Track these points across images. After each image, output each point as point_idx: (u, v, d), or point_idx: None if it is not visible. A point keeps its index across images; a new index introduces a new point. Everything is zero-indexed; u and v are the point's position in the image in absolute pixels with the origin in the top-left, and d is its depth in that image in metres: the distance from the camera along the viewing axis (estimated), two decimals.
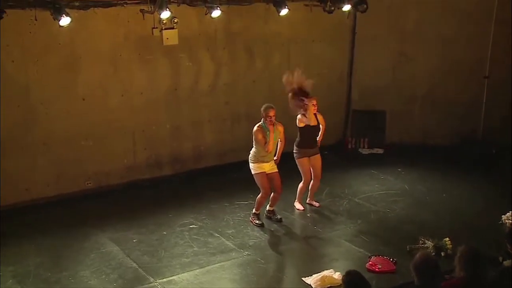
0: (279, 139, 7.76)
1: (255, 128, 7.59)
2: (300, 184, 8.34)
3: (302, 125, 8.00)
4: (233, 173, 9.50)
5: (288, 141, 8.01)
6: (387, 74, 11.12)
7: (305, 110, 7.96)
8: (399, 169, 10.10)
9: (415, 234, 7.28)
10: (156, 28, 8.86)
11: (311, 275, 6.42)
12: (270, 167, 7.71)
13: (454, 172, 9.89)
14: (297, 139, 8.15)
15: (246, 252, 7.15)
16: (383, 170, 10.06)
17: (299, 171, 8.25)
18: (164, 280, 6.51)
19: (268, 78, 10.30)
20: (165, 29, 8.91)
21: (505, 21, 10.24)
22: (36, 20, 7.88)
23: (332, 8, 9.99)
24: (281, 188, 7.81)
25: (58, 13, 7.63)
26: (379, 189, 9.24)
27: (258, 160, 7.65)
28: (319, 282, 6.29)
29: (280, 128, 7.69)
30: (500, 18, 10.28)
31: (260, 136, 7.51)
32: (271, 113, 7.49)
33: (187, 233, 7.71)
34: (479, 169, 9.97)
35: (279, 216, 8.03)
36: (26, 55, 8.11)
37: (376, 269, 6.60)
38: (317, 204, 8.53)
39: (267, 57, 10.28)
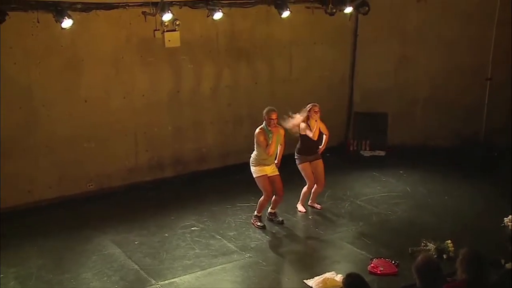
0: (279, 143, 7.76)
1: (257, 130, 7.59)
2: (304, 188, 8.35)
3: (303, 133, 8.00)
4: (235, 175, 9.49)
5: (288, 145, 8.00)
6: (389, 76, 11.12)
7: (308, 118, 7.97)
8: (401, 171, 10.10)
9: (417, 236, 7.27)
10: (158, 30, 8.88)
11: (313, 278, 6.42)
12: (271, 170, 7.71)
13: (456, 174, 9.88)
14: (298, 145, 8.16)
15: (248, 254, 7.15)
16: (385, 172, 10.05)
17: (300, 174, 8.26)
18: (166, 282, 6.51)
19: (270, 80, 10.32)
20: (167, 31, 8.93)
21: (507, 23, 10.24)
22: (38, 22, 7.92)
23: (334, 10, 10.01)
24: (282, 191, 7.81)
25: (60, 15, 7.67)
26: (380, 191, 9.23)
27: (259, 163, 7.65)
28: (320, 285, 6.29)
29: (282, 132, 7.69)
30: (502, 20, 10.28)
31: (262, 139, 7.51)
32: (274, 116, 7.49)
33: (188, 235, 7.71)
34: (481, 171, 9.97)
35: (280, 218, 8.03)
36: (28, 57, 8.13)
37: (378, 272, 6.60)
38: (319, 206, 8.53)
39: (269, 59, 10.28)
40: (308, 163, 8.16)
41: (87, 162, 8.90)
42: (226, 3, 9.15)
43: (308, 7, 10.13)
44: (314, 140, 8.04)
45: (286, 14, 9.44)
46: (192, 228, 7.91)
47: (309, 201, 8.54)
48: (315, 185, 8.32)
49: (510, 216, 7.72)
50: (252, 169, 7.72)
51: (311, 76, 10.76)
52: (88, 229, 7.84)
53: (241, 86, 10.09)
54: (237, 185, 9.22)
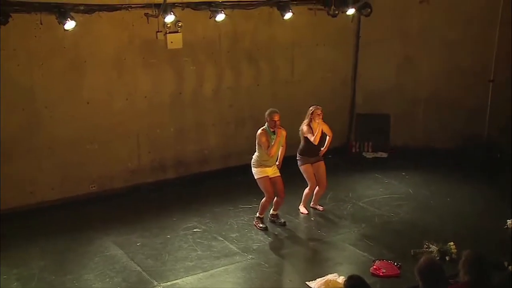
0: (281, 145, 7.76)
1: (259, 131, 7.59)
2: (306, 190, 8.35)
3: (305, 135, 8.00)
4: (237, 176, 9.49)
5: (289, 147, 7.99)
6: (391, 78, 11.11)
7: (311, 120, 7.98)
8: (403, 173, 10.09)
9: (420, 238, 7.26)
10: (161, 32, 8.88)
11: (315, 279, 6.41)
12: (272, 171, 7.72)
13: (458, 176, 9.87)
14: (300, 146, 8.16)
15: (250, 256, 7.14)
16: (387, 174, 10.04)
17: (302, 175, 8.26)
18: (168, 283, 6.51)
19: (272, 82, 10.32)
20: (170, 33, 8.93)
21: (509, 24, 10.21)
22: (41, 24, 7.93)
23: (336, 12, 10.01)
24: (284, 192, 7.81)
25: (63, 17, 7.68)
26: (383, 193, 9.22)
27: (260, 164, 7.65)
28: (323, 286, 6.28)
29: (284, 133, 7.69)
30: (505, 21, 10.26)
31: (264, 139, 7.51)
32: (276, 117, 7.49)
33: (191, 236, 7.71)
34: (484, 173, 9.96)
35: (282, 220, 8.02)
36: (31, 58, 8.15)
37: (380, 274, 6.59)
38: (321, 208, 8.53)
39: (271, 61, 10.28)
40: (310, 164, 8.17)
41: (89, 164, 8.90)
42: (228, 5, 9.15)
43: (310, 9, 10.13)
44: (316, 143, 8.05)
45: (288, 15, 9.45)
46: (194, 230, 7.91)
47: (311, 203, 8.54)
48: (317, 186, 8.32)
49: None
50: (254, 170, 7.72)
51: (313, 78, 10.76)
52: (90, 230, 7.84)
53: (243, 87, 10.09)
54: (239, 186, 9.21)
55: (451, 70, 10.84)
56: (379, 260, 6.85)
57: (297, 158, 8.21)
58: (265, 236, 7.73)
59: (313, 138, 7.92)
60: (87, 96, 8.69)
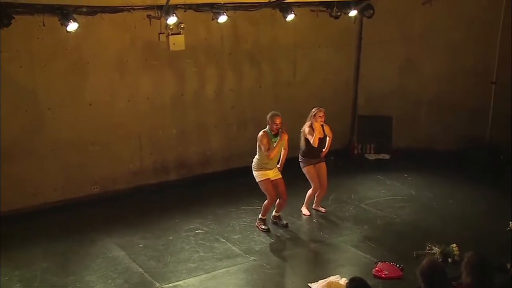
0: (283, 147, 7.76)
1: (261, 133, 7.59)
2: (309, 191, 8.34)
3: (306, 136, 8.00)
4: (239, 178, 9.48)
5: (291, 148, 7.99)
6: (393, 79, 11.11)
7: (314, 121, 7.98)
8: (406, 175, 10.08)
9: (422, 240, 7.25)
10: (163, 33, 8.90)
11: (317, 281, 6.40)
12: (274, 174, 7.72)
13: (460, 177, 9.85)
14: (302, 148, 8.15)
15: (252, 258, 7.14)
16: (390, 176, 10.04)
17: (304, 177, 8.25)
18: (170, 285, 6.51)
19: (274, 84, 10.33)
20: (172, 34, 8.95)
21: None
22: (44, 26, 7.95)
23: (339, 14, 10.02)
24: (286, 194, 7.81)
25: (65, 18, 7.70)
26: (385, 195, 9.22)
27: (261, 167, 7.65)
28: None
29: (285, 136, 7.68)
30: (507, 23, 10.24)
31: (265, 141, 7.51)
32: (278, 120, 7.49)
33: (193, 238, 7.71)
34: (486, 175, 9.95)
35: (285, 222, 8.02)
36: (34, 60, 8.17)
37: (383, 275, 6.58)
38: (323, 210, 8.52)
39: (273, 63, 10.29)
40: (312, 166, 8.17)
41: (91, 165, 8.92)
42: (230, 7, 9.16)
43: (312, 11, 10.14)
44: (318, 144, 8.05)
45: (290, 17, 9.45)
46: (197, 231, 7.91)
47: (314, 205, 8.54)
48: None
49: None
50: (255, 173, 7.73)
51: (316, 79, 10.76)
52: (93, 232, 7.85)
53: (245, 89, 10.10)
54: (241, 188, 9.21)
55: (453, 72, 10.83)
56: (382, 262, 6.84)
57: (299, 160, 8.22)
58: (267, 237, 7.73)
59: (312, 140, 7.91)
60: (89, 97, 8.70)
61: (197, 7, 9.02)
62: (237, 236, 7.74)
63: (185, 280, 6.60)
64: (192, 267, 6.90)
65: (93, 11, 8.21)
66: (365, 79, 11.23)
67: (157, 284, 6.51)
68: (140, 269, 6.85)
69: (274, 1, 8.39)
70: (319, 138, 7.98)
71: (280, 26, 9.95)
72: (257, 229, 7.91)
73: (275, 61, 10.31)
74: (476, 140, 10.82)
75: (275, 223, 8.05)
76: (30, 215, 8.25)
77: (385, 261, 6.85)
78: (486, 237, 7.43)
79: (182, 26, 8.93)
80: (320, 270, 6.84)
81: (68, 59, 8.42)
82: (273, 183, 7.70)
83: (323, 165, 8.28)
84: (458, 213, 8.47)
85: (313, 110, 8.04)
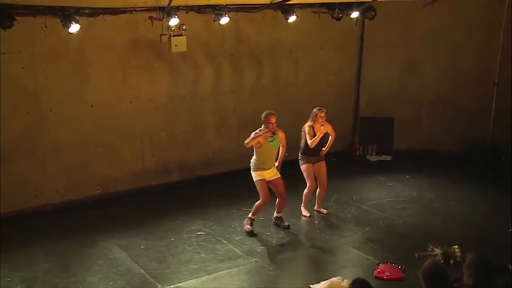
0: (280, 145, 7.74)
1: (257, 131, 7.58)
2: (305, 190, 8.32)
3: (307, 137, 7.99)
4: (241, 179, 9.43)
5: (291, 149, 7.97)
6: (395, 81, 11.11)
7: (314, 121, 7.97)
8: (407, 176, 10.07)
9: (424, 241, 7.25)
10: (165, 35, 8.90)
11: (319, 282, 6.40)
12: (272, 174, 7.70)
13: (462, 179, 9.85)
14: (302, 146, 8.14)
15: (254, 259, 7.14)
16: (391, 177, 10.03)
17: (304, 178, 8.24)
18: (172, 286, 6.51)
19: (275, 85, 10.33)
20: (174, 36, 8.94)
21: None
22: (46, 27, 7.96)
23: (340, 15, 10.01)
24: (286, 194, 7.80)
25: (67, 20, 7.69)
26: (387, 196, 9.21)
27: (258, 168, 7.64)
28: None
29: (281, 134, 7.67)
30: (509, 24, 10.23)
31: (260, 139, 7.48)
32: (273, 120, 7.49)
33: (194, 239, 7.71)
34: (488, 176, 9.94)
35: (286, 223, 8.01)
36: (36, 61, 8.18)
37: (385, 277, 6.58)
38: (325, 211, 8.52)
39: (275, 64, 10.29)
40: (311, 164, 8.15)
41: (93, 167, 8.92)
42: (232, 8, 9.16)
43: (314, 12, 10.14)
44: (318, 143, 8.02)
45: (292, 19, 9.45)
46: (198, 233, 7.91)
47: (315, 206, 8.53)
48: (318, 188, 8.31)
49: None
50: (252, 173, 7.72)
51: (317, 81, 10.76)
52: (94, 233, 7.85)
53: (246, 90, 10.10)
54: (243, 189, 9.14)
55: (455, 73, 10.83)
56: (383, 263, 6.84)
57: (299, 158, 8.20)
58: (269, 239, 7.73)
59: (310, 142, 7.91)
60: (91, 99, 8.71)
61: (199, 9, 9.02)
62: (238, 238, 7.74)
63: (187, 282, 6.60)
64: (193, 269, 6.90)
65: (95, 12, 8.21)
66: (366, 80, 11.23)
67: (159, 286, 6.52)
68: (142, 271, 6.86)
69: (276, 2, 8.39)
70: (321, 137, 7.97)
71: (282, 28, 9.95)
72: (245, 227, 7.85)
73: (277, 62, 10.31)
74: (477, 141, 10.81)
75: (276, 225, 8.05)
76: (32, 216, 8.26)
77: (387, 263, 6.85)
78: (488, 238, 7.43)
79: (184, 27, 8.93)
80: (321, 271, 6.84)
81: (70, 60, 8.43)
82: (271, 183, 7.69)
83: (323, 164, 8.26)
84: (460, 214, 8.46)
85: (314, 110, 8.04)
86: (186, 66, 9.42)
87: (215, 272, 6.82)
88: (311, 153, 8.12)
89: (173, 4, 8.00)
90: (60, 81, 8.41)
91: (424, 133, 11.21)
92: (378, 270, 6.70)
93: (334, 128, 8.23)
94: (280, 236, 7.83)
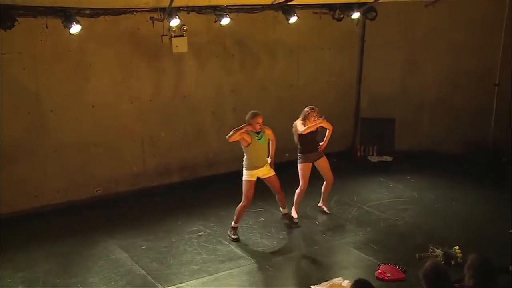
0: (269, 140, 7.70)
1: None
2: (297, 190, 8.22)
3: (298, 132, 7.94)
4: (241, 180, 9.46)
5: (290, 150, 7.95)
6: (396, 82, 11.11)
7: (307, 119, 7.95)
8: (408, 177, 10.06)
9: (425, 242, 7.24)
10: (166, 35, 8.91)
11: (320, 283, 6.39)
12: (265, 171, 7.66)
13: (463, 180, 9.83)
14: (299, 146, 8.10)
15: (255, 260, 7.13)
16: (392, 178, 10.02)
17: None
18: (173, 287, 6.51)
19: (276, 86, 10.33)
20: (175, 36, 8.97)
21: None
22: (47, 28, 7.96)
23: (341, 16, 10.01)
24: (281, 189, 7.79)
25: (68, 21, 7.70)
26: (388, 197, 9.20)
27: (250, 167, 7.58)
28: None
29: (268, 131, 7.63)
30: (510, 25, 10.23)
31: (246, 137, 7.44)
32: (260, 120, 7.46)
33: (195, 240, 7.71)
34: (489, 177, 9.93)
35: (296, 220, 8.02)
36: (37, 62, 8.18)
37: (385, 278, 6.57)
38: (327, 210, 8.48)
39: (275, 65, 10.30)
40: (308, 164, 8.06)
41: (94, 167, 8.93)
42: (233, 9, 9.16)
43: (315, 13, 10.15)
44: (311, 137, 7.95)
45: (293, 19, 9.45)
46: (199, 233, 7.91)
47: (320, 202, 8.50)
48: (324, 182, 8.28)
49: None
50: (243, 172, 7.63)
51: (318, 81, 10.76)
52: (95, 233, 7.85)
53: (247, 91, 10.10)
54: None
55: (456, 74, 10.83)
56: (384, 264, 6.83)
57: (298, 157, 8.13)
58: (270, 239, 7.72)
59: (303, 129, 7.79)
60: (92, 99, 8.72)
61: (200, 9, 9.03)
62: (239, 238, 7.74)
63: (188, 282, 6.60)
64: (194, 269, 6.90)
65: (96, 13, 8.21)
66: (367, 81, 11.23)
67: (160, 286, 6.51)
68: (143, 271, 6.86)
69: (277, 3, 8.38)
70: (313, 132, 7.91)
71: (283, 28, 9.96)
72: (228, 236, 7.78)
73: (278, 63, 10.31)
74: (478, 142, 10.80)
75: (287, 225, 8.03)
76: (33, 217, 8.27)
77: (388, 263, 6.84)
78: (489, 239, 7.41)
79: (185, 28, 8.95)
80: (322, 272, 6.83)
81: (71, 61, 8.44)
82: (266, 180, 7.68)
83: (323, 160, 8.18)
84: (461, 215, 8.46)
85: (306, 109, 7.97)
86: (187, 67, 9.42)
87: (216, 273, 6.81)
88: (308, 150, 8.04)
89: (174, 5, 7.99)
90: (61, 82, 8.42)
91: (425, 133, 11.21)
92: (379, 270, 6.70)
93: (334, 130, 8.19)
94: (281, 237, 7.83)
